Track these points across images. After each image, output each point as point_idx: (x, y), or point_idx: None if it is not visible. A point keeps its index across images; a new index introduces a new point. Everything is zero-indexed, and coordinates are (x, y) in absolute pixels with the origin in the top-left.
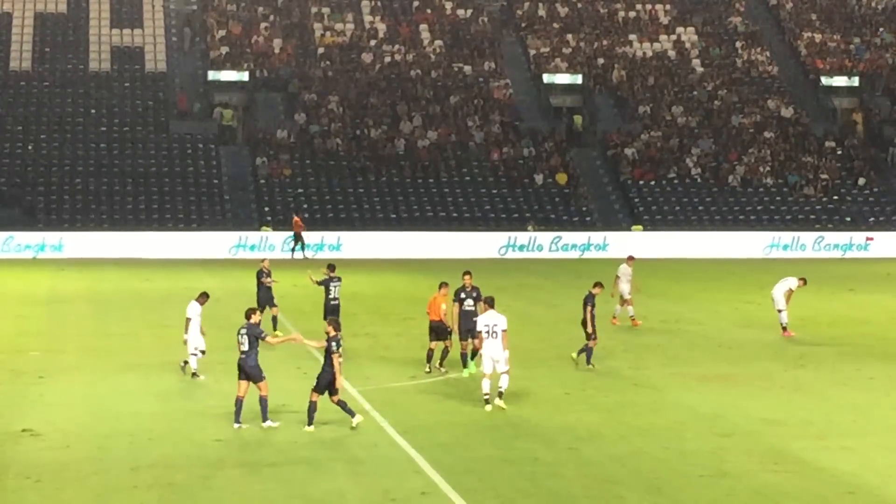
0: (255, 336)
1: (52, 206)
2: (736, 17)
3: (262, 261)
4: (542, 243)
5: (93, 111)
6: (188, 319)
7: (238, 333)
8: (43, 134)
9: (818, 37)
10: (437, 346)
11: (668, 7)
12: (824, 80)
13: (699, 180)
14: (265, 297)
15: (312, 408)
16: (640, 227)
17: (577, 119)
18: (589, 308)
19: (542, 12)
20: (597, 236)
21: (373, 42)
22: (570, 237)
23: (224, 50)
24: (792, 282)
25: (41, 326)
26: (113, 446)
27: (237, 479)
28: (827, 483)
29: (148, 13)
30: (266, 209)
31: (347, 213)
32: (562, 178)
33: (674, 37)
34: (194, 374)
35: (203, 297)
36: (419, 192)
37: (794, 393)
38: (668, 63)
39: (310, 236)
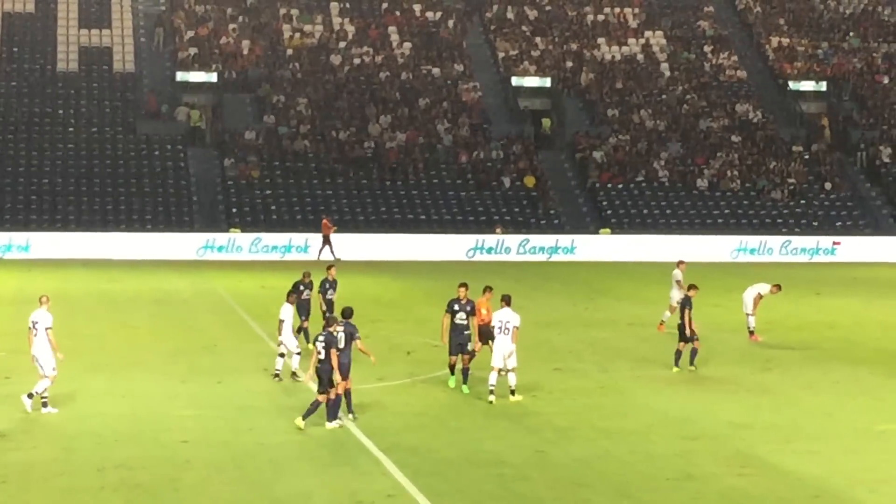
0: (350, 335)
1: (20, 206)
2: (704, 22)
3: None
4: (510, 246)
5: (60, 112)
6: (281, 321)
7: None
8: (10, 134)
9: (786, 41)
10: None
11: (636, 11)
12: (792, 85)
13: (667, 184)
14: (303, 310)
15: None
16: (608, 230)
17: (546, 122)
18: (687, 311)
19: (511, 15)
20: (564, 239)
21: (342, 44)
22: (537, 240)
23: (192, 51)
24: (763, 287)
25: (7, 327)
26: (79, 447)
27: (204, 481)
28: (793, 487)
29: (116, 14)
30: (234, 210)
31: (315, 215)
32: (530, 181)
33: (642, 40)
34: (294, 374)
35: (293, 297)
36: (387, 195)
37: (760, 396)
38: (636, 67)
39: (276, 238)
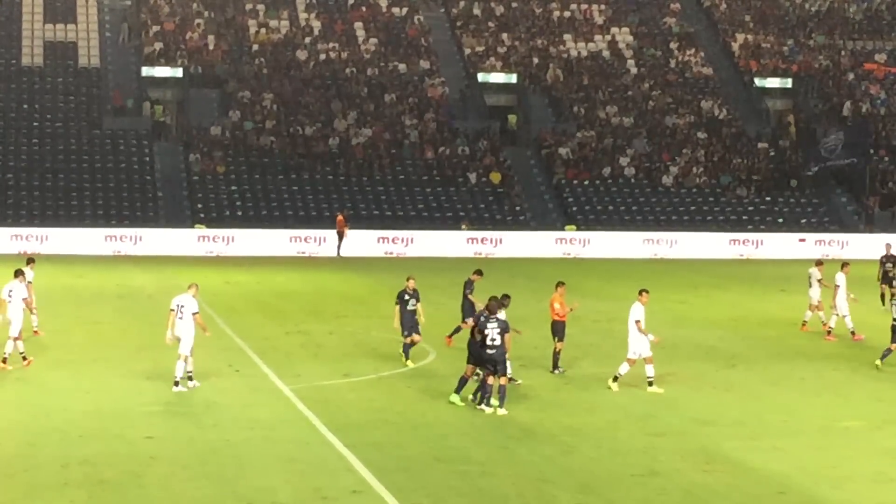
0: (504, 329)
1: None
2: (670, 18)
3: (408, 280)
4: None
5: (25, 106)
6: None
7: (483, 328)
8: None
9: (752, 38)
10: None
11: (602, 7)
12: (758, 82)
13: (633, 180)
14: (407, 321)
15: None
16: (574, 226)
17: (512, 118)
18: None
19: (477, 11)
20: (532, 235)
21: (308, 39)
22: (506, 237)
23: (158, 46)
24: (841, 278)
25: None
26: (43, 443)
27: (168, 477)
28: (758, 483)
29: (81, 8)
30: (199, 206)
31: (281, 211)
32: (496, 177)
33: (608, 37)
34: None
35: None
36: (353, 190)
37: (725, 393)
38: (602, 63)
39: (244, 234)
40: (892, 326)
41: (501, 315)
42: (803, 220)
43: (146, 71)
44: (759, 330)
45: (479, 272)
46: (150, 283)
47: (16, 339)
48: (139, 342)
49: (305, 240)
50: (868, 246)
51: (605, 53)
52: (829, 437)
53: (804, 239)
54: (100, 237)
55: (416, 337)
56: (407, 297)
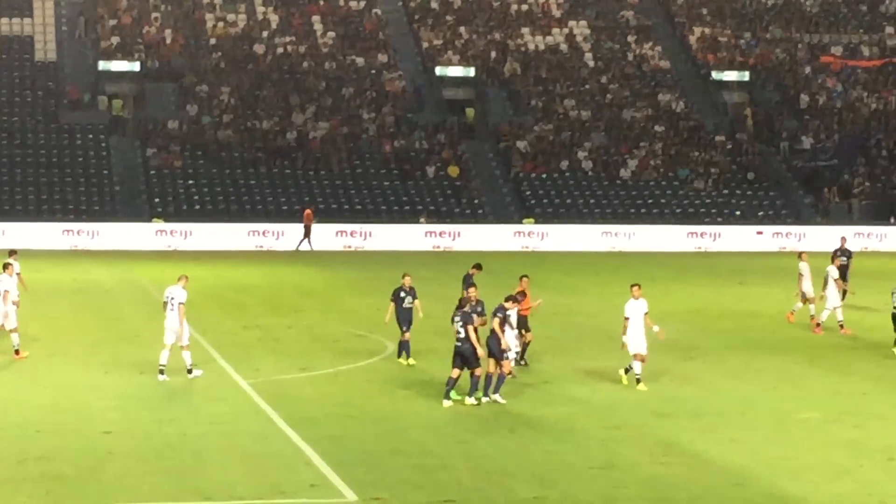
0: (465, 321)
1: None
2: (628, 12)
3: (403, 277)
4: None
5: None
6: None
7: (452, 321)
8: None
9: (709, 31)
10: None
11: (560, 1)
12: (715, 75)
13: (591, 174)
14: (404, 318)
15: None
16: (532, 219)
17: (470, 112)
18: None
19: (434, 5)
20: (490, 229)
21: (265, 33)
22: (464, 230)
23: (115, 40)
24: (833, 271)
25: None
26: None
27: (126, 472)
28: (715, 475)
29: (38, 2)
30: (157, 200)
31: (239, 205)
32: (454, 170)
33: (566, 30)
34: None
35: (511, 301)
36: (311, 184)
37: (683, 385)
38: (560, 56)
39: (202, 228)
40: (893, 315)
41: (467, 308)
42: (760, 213)
43: (103, 65)
44: (717, 322)
45: (478, 266)
46: (107, 278)
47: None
48: (96, 337)
49: (263, 234)
50: (825, 238)
51: (563, 47)
52: (786, 428)
53: (761, 231)
54: (57, 231)
55: (405, 335)
56: (403, 294)
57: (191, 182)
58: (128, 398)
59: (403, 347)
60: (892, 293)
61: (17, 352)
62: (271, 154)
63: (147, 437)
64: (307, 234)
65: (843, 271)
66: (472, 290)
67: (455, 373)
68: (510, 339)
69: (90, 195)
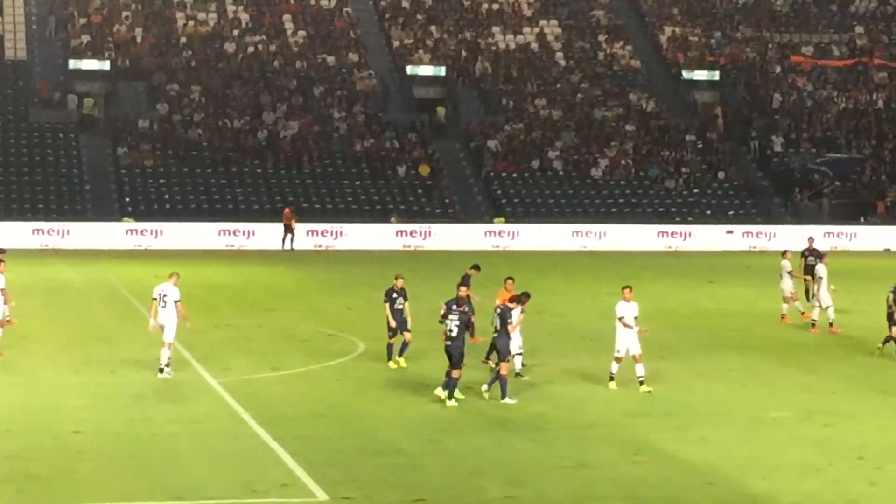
0: (465, 324)
1: None
2: (599, 11)
3: (396, 278)
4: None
5: None
6: (513, 323)
7: (446, 317)
8: None
9: (679, 31)
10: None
11: (531, 0)
12: (685, 74)
13: (561, 173)
14: (400, 321)
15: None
16: (503, 219)
17: (441, 111)
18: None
19: (405, 4)
20: (461, 228)
21: (236, 32)
22: (435, 229)
23: (85, 38)
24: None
25: None
26: None
27: (97, 472)
28: (686, 474)
29: (8, 0)
30: (127, 199)
31: (209, 204)
32: (425, 169)
33: (537, 29)
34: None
35: (525, 297)
36: (282, 183)
37: (653, 384)
38: (531, 56)
39: (172, 227)
40: (889, 314)
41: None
42: (731, 212)
43: (73, 64)
44: (688, 321)
45: (476, 267)
46: (77, 277)
47: None
48: (67, 336)
49: (234, 233)
50: (795, 238)
51: (534, 46)
52: (757, 427)
53: (732, 231)
54: (27, 231)
55: (406, 335)
56: (395, 295)
57: (161, 181)
58: (98, 397)
59: (390, 349)
60: (892, 291)
61: None
62: (242, 153)
63: (118, 437)
64: (288, 232)
65: (810, 271)
66: (462, 288)
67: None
68: (516, 339)
69: (60, 194)
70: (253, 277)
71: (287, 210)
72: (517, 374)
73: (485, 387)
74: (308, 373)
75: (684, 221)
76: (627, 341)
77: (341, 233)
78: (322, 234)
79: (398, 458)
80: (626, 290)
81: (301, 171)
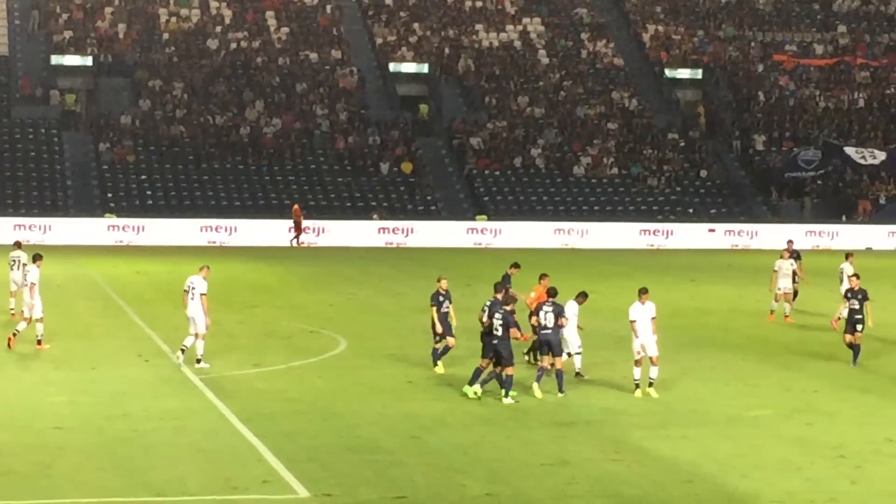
0: (507, 323)
1: None
2: (582, 9)
3: (439, 280)
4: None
5: None
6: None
7: (492, 315)
8: None
9: (662, 29)
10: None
11: None
12: (668, 73)
13: (544, 171)
14: (445, 325)
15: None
16: (485, 216)
17: (423, 108)
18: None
19: (388, 1)
20: (443, 225)
21: (218, 28)
22: (417, 226)
23: (68, 34)
24: (847, 268)
25: None
26: None
27: (77, 467)
28: (666, 472)
29: None
30: (109, 195)
31: (192, 201)
32: (407, 167)
33: (520, 27)
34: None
35: (581, 297)
36: (264, 180)
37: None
38: (513, 54)
39: (154, 223)
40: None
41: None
42: (713, 211)
43: (55, 59)
44: (669, 320)
45: (516, 265)
46: (59, 273)
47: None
48: (48, 332)
49: (216, 229)
50: (777, 237)
51: (517, 44)
52: (737, 426)
53: (714, 229)
54: (8, 226)
55: (450, 340)
56: (441, 298)
57: (143, 177)
58: (79, 394)
59: (436, 354)
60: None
61: (39, 342)
62: (224, 150)
63: (98, 433)
64: (297, 229)
65: (792, 275)
66: (505, 290)
67: (484, 363)
68: (573, 335)
69: (42, 190)
70: (235, 274)
71: (296, 206)
72: (577, 374)
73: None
74: (289, 369)
75: (666, 220)
76: (645, 343)
77: (323, 230)
78: (304, 230)
79: (379, 454)
80: (643, 294)
81: (283, 168)
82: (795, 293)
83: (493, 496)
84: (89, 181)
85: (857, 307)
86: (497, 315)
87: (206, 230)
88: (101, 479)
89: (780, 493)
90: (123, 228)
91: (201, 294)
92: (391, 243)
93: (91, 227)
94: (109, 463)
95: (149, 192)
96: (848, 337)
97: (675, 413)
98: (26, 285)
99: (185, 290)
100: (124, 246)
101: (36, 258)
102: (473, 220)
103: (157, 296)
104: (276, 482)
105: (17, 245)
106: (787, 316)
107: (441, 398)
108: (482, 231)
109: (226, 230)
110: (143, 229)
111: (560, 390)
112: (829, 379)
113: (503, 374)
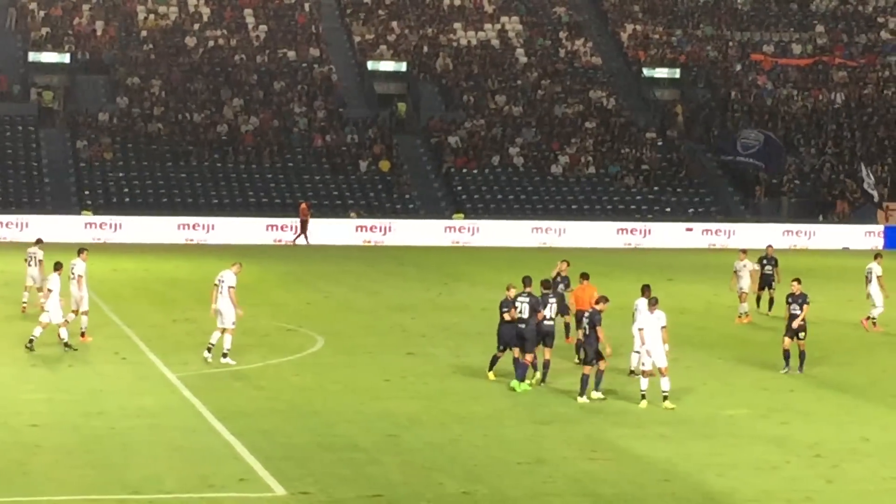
0: (534, 307)
1: None
2: (560, 8)
3: (508, 289)
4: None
5: None
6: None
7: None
8: None
9: (640, 28)
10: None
11: None
12: (646, 72)
13: (522, 169)
14: (508, 334)
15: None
16: (462, 214)
17: (401, 106)
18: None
19: None
20: (421, 224)
21: (196, 26)
22: (395, 225)
23: (45, 31)
24: (876, 268)
25: None
26: None
27: (54, 465)
28: (643, 470)
29: None
30: (87, 192)
31: (169, 198)
32: (385, 165)
33: (498, 26)
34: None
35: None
36: (242, 178)
37: (612, 381)
38: (492, 52)
39: (132, 221)
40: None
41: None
42: (690, 210)
43: (33, 56)
44: None
45: (565, 262)
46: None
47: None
48: (24, 330)
49: (193, 227)
50: (754, 236)
51: (495, 42)
52: (713, 425)
53: (691, 228)
54: None
55: (516, 351)
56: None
57: (121, 174)
58: (55, 391)
59: (494, 361)
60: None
61: (83, 334)
62: (202, 147)
63: (75, 431)
64: (304, 228)
65: (769, 279)
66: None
67: (517, 354)
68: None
69: (19, 187)
70: (212, 272)
71: (304, 205)
72: (631, 373)
73: (596, 393)
74: (267, 367)
75: (644, 218)
76: (652, 352)
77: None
78: (282, 228)
79: (356, 453)
80: (653, 304)
81: (261, 166)
82: (771, 301)
83: (469, 494)
84: (67, 178)
85: (797, 312)
86: (521, 298)
87: (184, 228)
88: (78, 476)
89: (757, 491)
90: (101, 226)
91: (230, 287)
92: (369, 241)
93: (68, 225)
94: (86, 461)
95: (126, 190)
96: (787, 341)
97: (652, 412)
98: (45, 280)
99: (215, 284)
100: (101, 243)
101: (80, 252)
102: (451, 218)
103: (134, 293)
104: (253, 480)
105: (38, 242)
106: (744, 315)
107: (418, 396)
108: (460, 229)
109: (203, 228)
110: (120, 227)
111: (597, 387)
112: (806, 378)
113: (523, 360)
